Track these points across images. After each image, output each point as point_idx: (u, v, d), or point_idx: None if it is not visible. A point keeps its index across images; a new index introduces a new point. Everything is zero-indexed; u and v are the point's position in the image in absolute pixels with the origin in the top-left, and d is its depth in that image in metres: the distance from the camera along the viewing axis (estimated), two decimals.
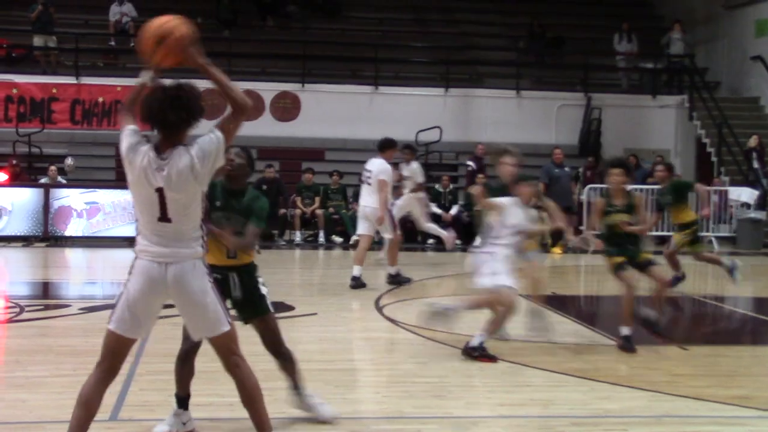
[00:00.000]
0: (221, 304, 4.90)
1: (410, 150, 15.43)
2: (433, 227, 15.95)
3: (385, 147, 12.70)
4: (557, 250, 17.53)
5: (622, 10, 26.39)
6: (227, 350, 5.00)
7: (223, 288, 5.25)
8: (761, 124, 22.80)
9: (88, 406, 4.85)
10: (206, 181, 4.85)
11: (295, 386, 6.11)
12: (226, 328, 4.93)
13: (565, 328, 9.75)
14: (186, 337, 5.58)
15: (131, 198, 4.89)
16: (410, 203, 15.18)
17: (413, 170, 15.09)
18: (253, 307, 5.96)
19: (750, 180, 20.73)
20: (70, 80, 21.71)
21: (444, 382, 7.16)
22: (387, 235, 12.76)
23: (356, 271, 12.21)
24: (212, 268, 5.01)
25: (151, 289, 4.79)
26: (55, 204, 17.52)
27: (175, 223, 4.77)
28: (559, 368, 7.65)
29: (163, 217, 4.76)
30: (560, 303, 11.30)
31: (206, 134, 4.80)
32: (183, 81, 4.88)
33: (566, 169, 18.72)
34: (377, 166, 12.46)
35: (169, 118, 4.73)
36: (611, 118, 22.64)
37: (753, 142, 21.09)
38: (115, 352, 4.90)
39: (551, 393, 6.92)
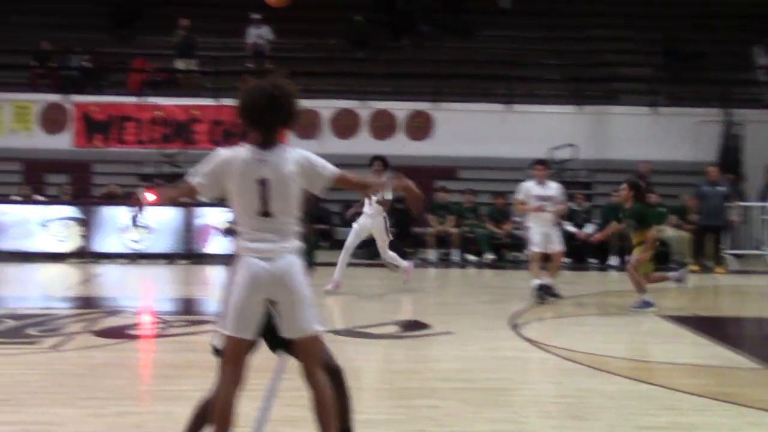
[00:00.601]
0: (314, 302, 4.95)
1: (380, 162, 13.61)
2: (393, 257, 13.70)
3: (531, 165, 13.49)
4: (720, 269, 17.47)
5: (763, 22, 25.62)
6: (313, 355, 4.97)
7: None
8: None
9: (225, 417, 4.92)
10: (300, 186, 4.89)
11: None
12: (320, 328, 4.98)
13: (709, 350, 9.52)
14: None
15: (232, 203, 4.94)
16: (374, 224, 13.38)
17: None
18: None
19: None
20: (210, 102, 22.38)
21: (583, 403, 7.08)
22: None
23: (545, 281, 12.86)
24: None
25: (258, 286, 4.83)
26: (197, 222, 18.05)
27: (277, 217, 4.84)
28: (704, 391, 7.47)
29: (266, 212, 4.83)
30: (703, 324, 11.06)
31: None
32: (279, 80, 4.90)
33: (720, 188, 18.23)
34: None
35: (267, 119, 4.83)
36: (753, 134, 21.94)
37: None
38: (237, 357, 4.95)
39: (696, 417, 6.76)
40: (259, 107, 4.81)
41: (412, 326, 10.72)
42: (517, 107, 22.49)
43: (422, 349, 9.51)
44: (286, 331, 4.97)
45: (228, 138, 22.05)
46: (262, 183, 4.80)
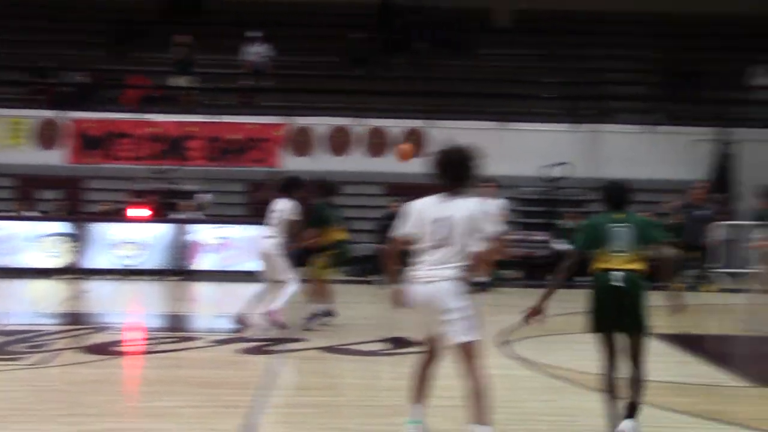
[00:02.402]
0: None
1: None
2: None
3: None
4: (706, 288, 17.47)
5: (759, 42, 25.65)
6: (462, 357, 6.14)
7: None
8: None
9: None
10: (470, 228, 6.02)
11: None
12: (465, 338, 6.09)
13: (695, 368, 9.50)
14: None
15: (418, 238, 6.11)
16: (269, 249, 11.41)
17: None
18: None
19: None
20: (207, 119, 22.39)
21: (573, 422, 7.07)
22: None
23: None
24: None
25: (419, 304, 6.10)
26: (187, 239, 18.01)
27: (446, 248, 5.99)
28: (691, 409, 7.47)
29: (438, 245, 5.97)
30: (690, 342, 11.04)
31: (488, 219, 6.13)
32: (466, 148, 6.29)
33: (701, 211, 17.99)
34: None
35: (461, 174, 6.12)
36: (749, 153, 21.92)
37: None
38: (430, 346, 6.31)
39: None
40: (457, 165, 6.18)
41: (401, 343, 10.67)
42: (512, 125, 22.49)
43: (410, 366, 9.45)
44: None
45: (224, 155, 22.10)
46: (441, 220, 5.98)
